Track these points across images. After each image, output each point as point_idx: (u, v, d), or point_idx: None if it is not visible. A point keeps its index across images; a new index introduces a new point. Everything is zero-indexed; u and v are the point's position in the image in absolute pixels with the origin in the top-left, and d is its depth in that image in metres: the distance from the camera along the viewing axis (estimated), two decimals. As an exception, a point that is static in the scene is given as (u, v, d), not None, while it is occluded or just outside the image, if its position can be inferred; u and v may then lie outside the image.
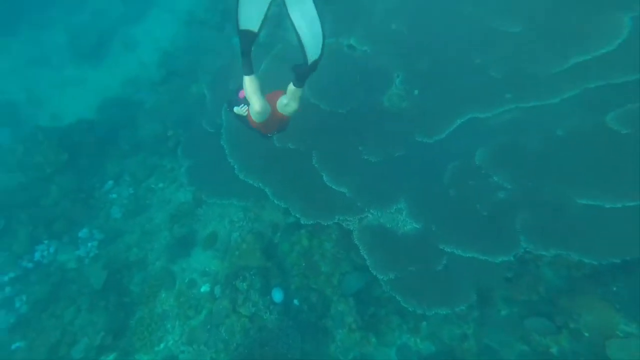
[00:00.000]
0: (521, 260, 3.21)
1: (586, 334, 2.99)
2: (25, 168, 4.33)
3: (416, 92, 3.71)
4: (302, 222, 3.71)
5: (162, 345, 3.52)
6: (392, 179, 3.63)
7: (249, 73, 2.25)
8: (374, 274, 3.40)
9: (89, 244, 4.02)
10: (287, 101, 2.44)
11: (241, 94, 2.59)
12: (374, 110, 3.95)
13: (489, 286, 3.33)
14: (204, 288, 3.76)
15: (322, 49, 2.13)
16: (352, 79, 4.19)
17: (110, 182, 4.71)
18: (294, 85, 2.32)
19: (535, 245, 2.98)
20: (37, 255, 3.97)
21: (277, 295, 3.73)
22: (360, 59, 4.25)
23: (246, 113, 2.57)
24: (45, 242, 4.08)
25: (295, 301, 3.81)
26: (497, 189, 3.24)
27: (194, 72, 5.63)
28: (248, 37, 2.11)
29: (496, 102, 3.42)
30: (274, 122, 2.64)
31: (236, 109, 2.61)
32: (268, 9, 2.10)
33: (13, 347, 3.40)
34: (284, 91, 2.45)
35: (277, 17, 5.21)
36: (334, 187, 3.74)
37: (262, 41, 5.30)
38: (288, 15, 2.09)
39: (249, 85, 2.29)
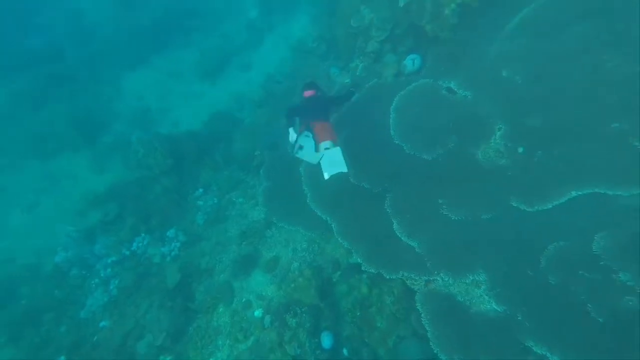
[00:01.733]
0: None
1: None
2: (142, 167, 5.22)
3: (521, 150, 3.20)
4: (362, 268, 3.52)
5: (211, 360, 3.70)
6: (472, 244, 3.16)
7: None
8: (436, 350, 2.96)
9: (173, 244, 4.57)
10: None
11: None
12: (464, 162, 3.56)
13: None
14: (257, 313, 3.85)
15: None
16: (445, 124, 3.87)
17: (201, 190, 5.31)
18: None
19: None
20: (134, 245, 4.70)
21: (327, 341, 3.58)
22: (458, 104, 3.92)
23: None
24: (142, 234, 4.80)
25: (345, 351, 3.59)
26: (623, 291, 2.50)
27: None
28: None
29: (636, 179, 2.69)
30: None
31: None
32: None
33: (100, 324, 4.04)
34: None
35: (377, 53, 5.28)
36: (403, 238, 3.46)
37: (359, 74, 5.40)
38: None
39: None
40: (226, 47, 8.89)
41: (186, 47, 9.57)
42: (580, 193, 2.83)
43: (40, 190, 6.44)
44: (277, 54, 7.96)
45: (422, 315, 3.12)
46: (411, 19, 4.53)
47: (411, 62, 4.62)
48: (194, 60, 8.92)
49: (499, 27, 4.09)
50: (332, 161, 3.69)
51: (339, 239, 3.83)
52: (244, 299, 3.98)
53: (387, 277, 3.33)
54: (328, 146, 3.68)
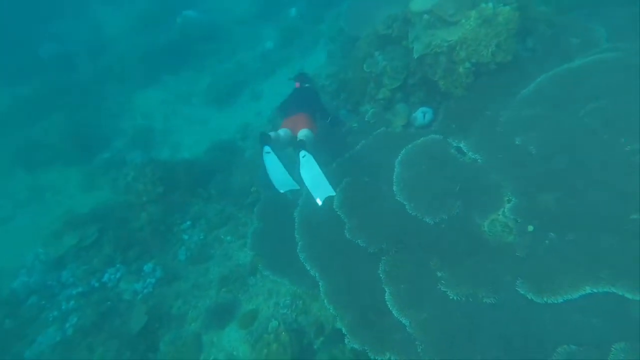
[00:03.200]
0: None
1: None
2: (130, 192, 5.07)
3: (531, 228, 2.96)
4: (346, 341, 3.20)
5: None
6: (471, 331, 2.85)
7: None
8: None
9: (148, 280, 4.30)
10: None
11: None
12: (468, 232, 3.31)
13: None
14: (223, 379, 3.51)
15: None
16: (452, 187, 3.67)
17: (188, 223, 5.11)
18: None
19: None
20: (106, 277, 4.44)
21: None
22: (467, 167, 3.73)
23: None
24: (118, 265, 4.55)
25: None
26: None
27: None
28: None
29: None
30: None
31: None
32: None
33: (46, 367, 3.69)
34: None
35: (388, 100, 5.21)
36: (394, 312, 3.16)
37: (368, 119, 5.30)
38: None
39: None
40: (239, 75, 9.00)
41: (199, 71, 9.73)
42: (595, 291, 2.54)
43: (19, 203, 6.29)
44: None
45: (409, 408, 2.76)
46: (425, 72, 4.47)
47: (422, 115, 4.50)
48: (205, 85, 9.02)
49: (514, 91, 3.99)
50: (315, 181, 3.75)
51: (325, 301, 3.54)
52: (211, 358, 3.64)
53: (372, 358, 3.00)
54: (303, 136, 3.94)
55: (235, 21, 10.65)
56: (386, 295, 3.27)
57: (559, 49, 4.07)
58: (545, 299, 2.68)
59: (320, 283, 3.73)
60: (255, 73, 8.98)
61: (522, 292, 2.79)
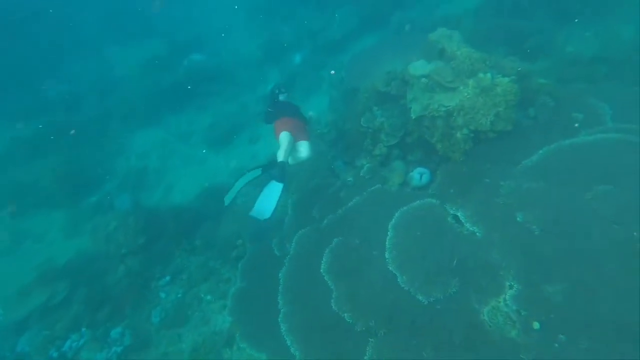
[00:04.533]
0: None
1: None
2: (110, 242, 4.84)
3: (537, 326, 2.65)
4: None
5: None
6: None
7: None
8: None
9: (114, 349, 3.94)
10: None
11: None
12: (465, 318, 3.00)
13: None
14: None
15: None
16: (448, 261, 3.41)
17: (168, 278, 4.83)
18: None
19: None
20: (67, 345, 4.07)
21: None
22: (465, 239, 3.49)
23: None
24: (83, 329, 4.21)
25: None
26: None
27: (289, 184, 5.76)
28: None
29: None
30: None
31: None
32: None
33: None
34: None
35: (385, 157, 5.09)
36: (380, 409, 2.78)
37: (363, 174, 5.14)
38: None
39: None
40: (240, 117, 9.08)
41: (201, 110, 9.87)
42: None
43: (-3, 252, 6.08)
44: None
45: None
46: (422, 132, 4.36)
47: (419, 175, 4.34)
48: (206, 125, 9.10)
49: (515, 159, 3.84)
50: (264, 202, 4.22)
51: (304, 389, 3.17)
52: None
53: None
54: (285, 137, 4.34)
55: (241, 64, 10.97)
56: (372, 387, 2.91)
57: (562, 121, 3.97)
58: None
59: (299, 364, 3.38)
60: (255, 115, 9.06)
61: (528, 406, 2.43)
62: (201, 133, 8.97)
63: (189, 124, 9.58)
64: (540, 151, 3.75)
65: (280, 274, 4.28)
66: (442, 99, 3.97)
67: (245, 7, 12.42)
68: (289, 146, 4.39)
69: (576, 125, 3.80)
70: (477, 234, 3.46)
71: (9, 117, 9.35)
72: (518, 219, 3.29)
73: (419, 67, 4.26)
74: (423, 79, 4.20)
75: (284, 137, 4.43)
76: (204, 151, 8.33)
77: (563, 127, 3.96)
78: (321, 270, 3.92)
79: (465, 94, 3.79)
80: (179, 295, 4.63)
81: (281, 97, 5.08)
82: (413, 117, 4.29)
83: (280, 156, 4.20)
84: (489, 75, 3.71)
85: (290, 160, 4.51)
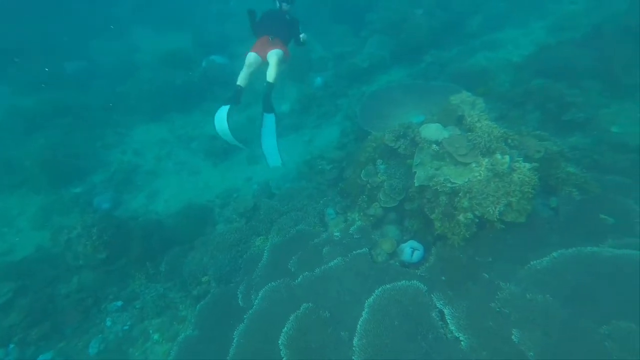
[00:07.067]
0: None
1: None
2: (69, 249, 4.59)
3: None
4: None
5: None
6: None
7: None
8: None
9: (35, 378, 3.65)
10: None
11: None
12: None
13: None
14: None
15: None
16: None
17: (120, 303, 4.54)
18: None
19: None
20: None
21: None
22: (447, 345, 3.10)
23: None
24: (11, 346, 3.94)
25: None
26: None
27: (272, 223, 5.44)
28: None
29: None
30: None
31: None
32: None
33: None
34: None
35: (379, 218, 4.72)
36: None
37: (352, 232, 4.77)
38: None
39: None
40: (245, 130, 8.84)
41: (208, 114, 9.68)
42: None
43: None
44: (290, 158, 7.71)
45: None
46: (423, 203, 3.99)
47: (411, 251, 3.96)
48: (209, 132, 8.90)
49: (522, 257, 3.43)
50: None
51: None
52: None
53: None
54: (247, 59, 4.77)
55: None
56: None
57: (587, 221, 3.54)
58: None
59: None
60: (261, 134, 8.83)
61: None
62: (203, 140, 8.78)
63: (193, 127, 9.43)
64: (555, 254, 3.32)
65: (235, 333, 3.92)
66: (450, 173, 3.61)
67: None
68: (246, 69, 4.79)
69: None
70: (462, 342, 3.05)
71: (20, 87, 9.45)
72: (513, 337, 2.87)
73: (432, 130, 3.93)
74: (434, 146, 3.86)
75: (247, 58, 4.83)
76: (204, 162, 8.12)
77: (587, 230, 3.53)
78: (279, 342, 3.55)
79: (477, 174, 3.43)
80: (126, 328, 4.32)
81: (284, 6, 5.13)
82: (416, 185, 3.95)
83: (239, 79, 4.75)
84: (507, 158, 3.34)
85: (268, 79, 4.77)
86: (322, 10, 12.25)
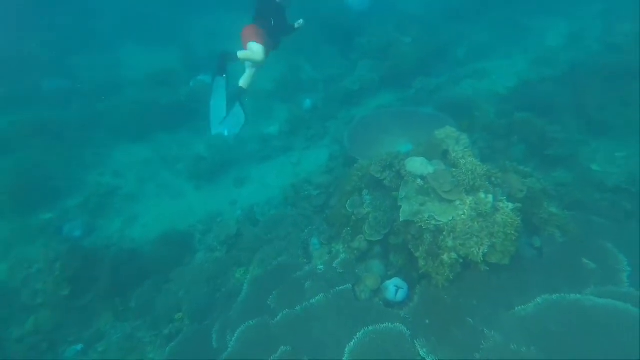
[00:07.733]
0: None
1: None
2: (27, 286, 4.31)
3: None
4: None
5: None
6: None
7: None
8: None
9: None
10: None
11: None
12: None
13: None
14: None
15: None
16: None
17: (80, 347, 4.23)
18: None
19: None
20: None
21: None
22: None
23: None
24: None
25: None
26: None
27: (255, 252, 5.27)
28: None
29: None
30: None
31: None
32: None
33: None
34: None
35: (364, 252, 4.60)
36: None
37: (336, 265, 4.63)
38: None
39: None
40: (232, 152, 8.73)
41: (199, 135, 9.52)
42: None
43: None
44: (276, 182, 7.60)
45: None
46: (407, 240, 3.90)
47: (395, 289, 3.84)
48: (195, 153, 8.75)
49: (506, 301, 3.35)
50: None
51: None
52: None
53: None
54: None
55: (250, 94, 10.79)
56: None
57: (570, 264, 3.51)
58: None
59: None
60: (249, 154, 8.73)
61: None
62: (189, 161, 8.60)
63: (179, 147, 9.25)
64: (539, 299, 3.26)
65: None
66: (434, 210, 3.54)
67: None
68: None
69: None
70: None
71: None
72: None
73: (417, 165, 3.88)
74: (419, 180, 3.80)
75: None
76: (188, 184, 7.93)
77: (570, 274, 3.49)
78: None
79: (461, 212, 3.37)
80: (87, 374, 4.04)
81: None
82: (401, 219, 3.86)
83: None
84: (490, 198, 3.29)
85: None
86: (312, 30, 12.41)
